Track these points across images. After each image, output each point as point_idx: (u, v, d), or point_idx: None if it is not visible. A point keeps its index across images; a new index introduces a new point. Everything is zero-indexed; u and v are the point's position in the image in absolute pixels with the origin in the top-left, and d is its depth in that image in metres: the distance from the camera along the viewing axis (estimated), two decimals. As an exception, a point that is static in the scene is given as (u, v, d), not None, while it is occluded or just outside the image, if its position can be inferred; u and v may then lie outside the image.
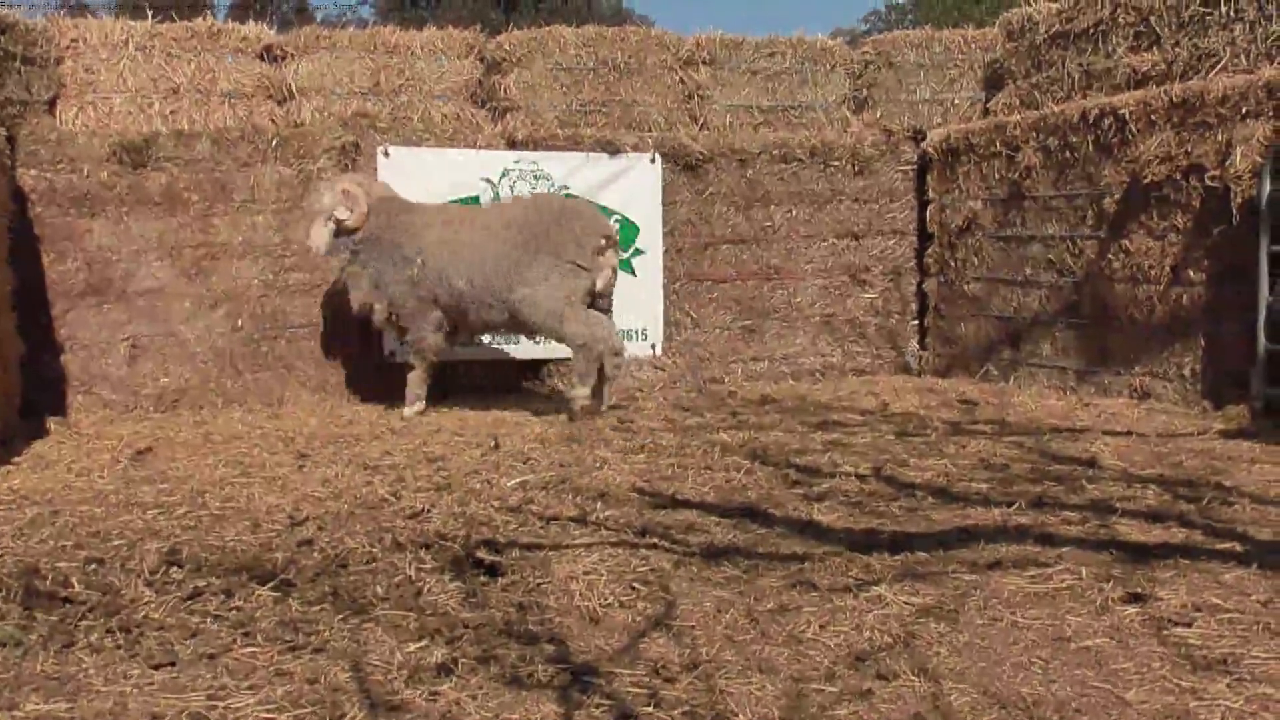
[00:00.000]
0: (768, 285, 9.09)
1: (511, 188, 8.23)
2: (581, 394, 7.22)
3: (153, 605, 3.35)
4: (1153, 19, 7.37)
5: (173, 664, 2.90)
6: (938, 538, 3.98)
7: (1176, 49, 7.18)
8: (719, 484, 4.98)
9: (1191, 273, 6.69)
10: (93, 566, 3.76)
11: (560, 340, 7.32)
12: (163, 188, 7.70)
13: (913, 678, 2.75)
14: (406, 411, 7.20)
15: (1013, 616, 3.17)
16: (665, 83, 9.12)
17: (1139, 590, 3.31)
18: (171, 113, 8.11)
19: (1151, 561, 3.61)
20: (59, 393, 7.47)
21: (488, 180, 8.18)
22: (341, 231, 7.04)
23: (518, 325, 7.39)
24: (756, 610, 3.25)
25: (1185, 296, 6.74)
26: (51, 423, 6.96)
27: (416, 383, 7.30)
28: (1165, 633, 3.01)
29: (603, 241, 7.28)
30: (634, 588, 3.47)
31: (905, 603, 3.28)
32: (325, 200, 7.04)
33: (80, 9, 23.21)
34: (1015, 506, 4.39)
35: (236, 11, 28.14)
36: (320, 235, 7.04)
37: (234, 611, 3.31)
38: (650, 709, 2.59)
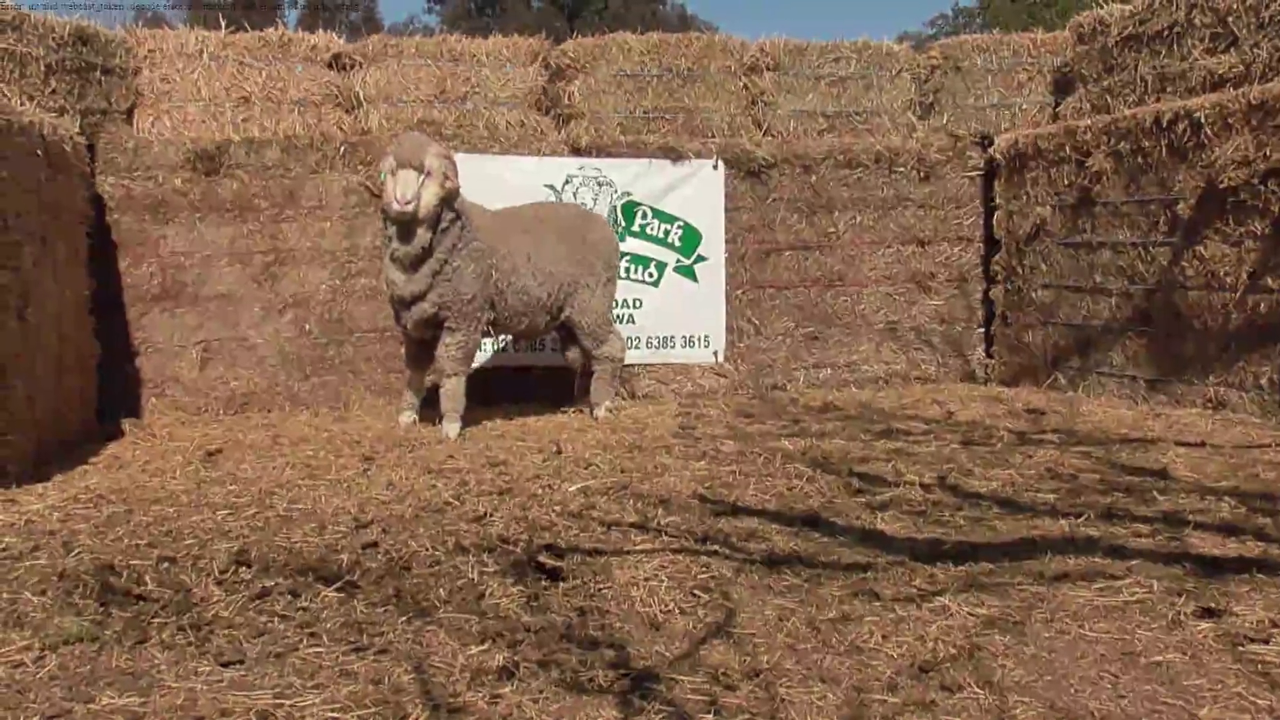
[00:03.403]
0: (831, 292, 9.03)
1: (575, 194, 8.28)
2: (612, 406, 7.34)
3: (222, 604, 3.41)
4: (1231, 20, 7.19)
5: (241, 662, 2.95)
6: (1003, 548, 3.92)
7: (1256, 50, 7.00)
8: (780, 491, 4.95)
9: (1270, 280, 6.51)
10: (165, 565, 3.84)
11: (598, 348, 7.34)
12: (234, 194, 7.87)
13: (977, 690, 2.70)
14: (453, 430, 6.60)
15: (1080, 630, 3.11)
16: (729, 89, 9.11)
17: (1213, 605, 3.23)
18: (243, 120, 8.28)
19: (1226, 576, 3.52)
20: (133, 395, 7.66)
21: (551, 186, 8.24)
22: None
23: (559, 331, 7.45)
24: (818, 619, 3.23)
25: (1263, 304, 6.57)
26: (126, 424, 7.14)
27: (461, 394, 6.70)
28: (1240, 649, 2.93)
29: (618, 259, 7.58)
30: (695, 594, 3.47)
31: (970, 614, 3.23)
32: (434, 161, 6.31)
33: (156, 20, 23.83)
34: (1083, 518, 4.30)
35: (306, 20, 28.70)
36: (432, 197, 6.28)
37: (300, 612, 3.36)
38: (710, 716, 2.58)
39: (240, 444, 6.46)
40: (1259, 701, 2.62)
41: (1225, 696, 2.66)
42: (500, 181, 8.03)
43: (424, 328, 6.70)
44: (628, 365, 8.25)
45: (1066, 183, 8.18)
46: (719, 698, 2.67)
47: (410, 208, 6.25)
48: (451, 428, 6.64)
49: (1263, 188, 6.49)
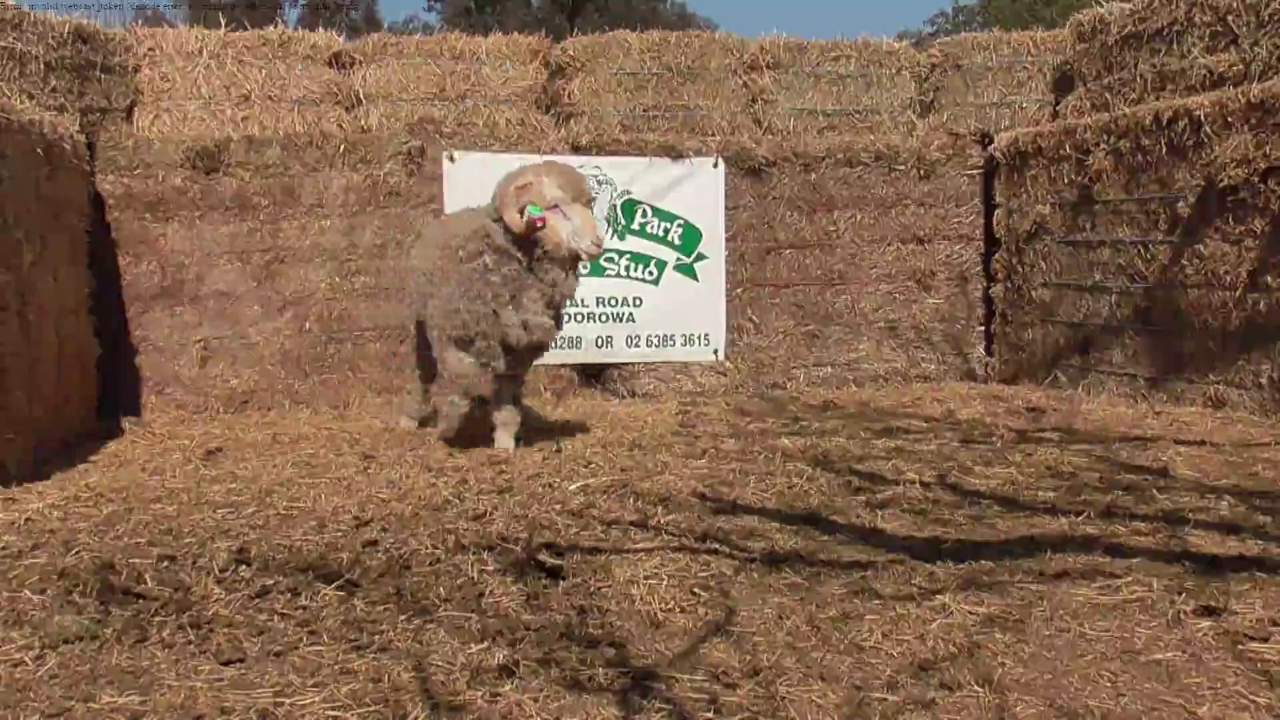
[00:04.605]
0: (831, 290, 9.03)
1: (575, 192, 8.27)
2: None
3: (222, 602, 3.41)
4: (1230, 18, 7.19)
5: (241, 660, 2.95)
6: (1003, 547, 3.92)
7: (1255, 49, 7.00)
8: (780, 490, 4.95)
9: (1269, 278, 6.51)
10: (165, 563, 3.84)
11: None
12: (234, 192, 7.86)
13: (977, 688, 2.70)
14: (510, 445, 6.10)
15: (1080, 628, 3.11)
16: (729, 87, 9.11)
17: (1213, 604, 3.23)
18: (243, 119, 8.28)
19: (1226, 574, 3.51)
20: (133, 393, 7.66)
21: (551, 185, 8.22)
22: None
23: None
24: (818, 617, 3.22)
25: (1263, 302, 6.57)
26: (126, 422, 7.15)
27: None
28: (1240, 647, 2.93)
29: None
30: (695, 593, 3.46)
31: (970, 612, 3.23)
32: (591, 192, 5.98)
33: (156, 18, 23.83)
34: (1083, 516, 4.30)
35: (306, 18, 28.69)
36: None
37: (300, 610, 3.36)
38: (710, 715, 2.58)
39: (240, 442, 6.46)
40: (1258, 700, 2.61)
41: (1225, 694, 2.66)
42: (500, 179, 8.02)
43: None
44: (628, 364, 8.35)
45: (1066, 181, 8.18)
46: (719, 696, 2.67)
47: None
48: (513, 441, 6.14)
49: (1262, 186, 6.49)
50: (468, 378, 5.89)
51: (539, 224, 5.56)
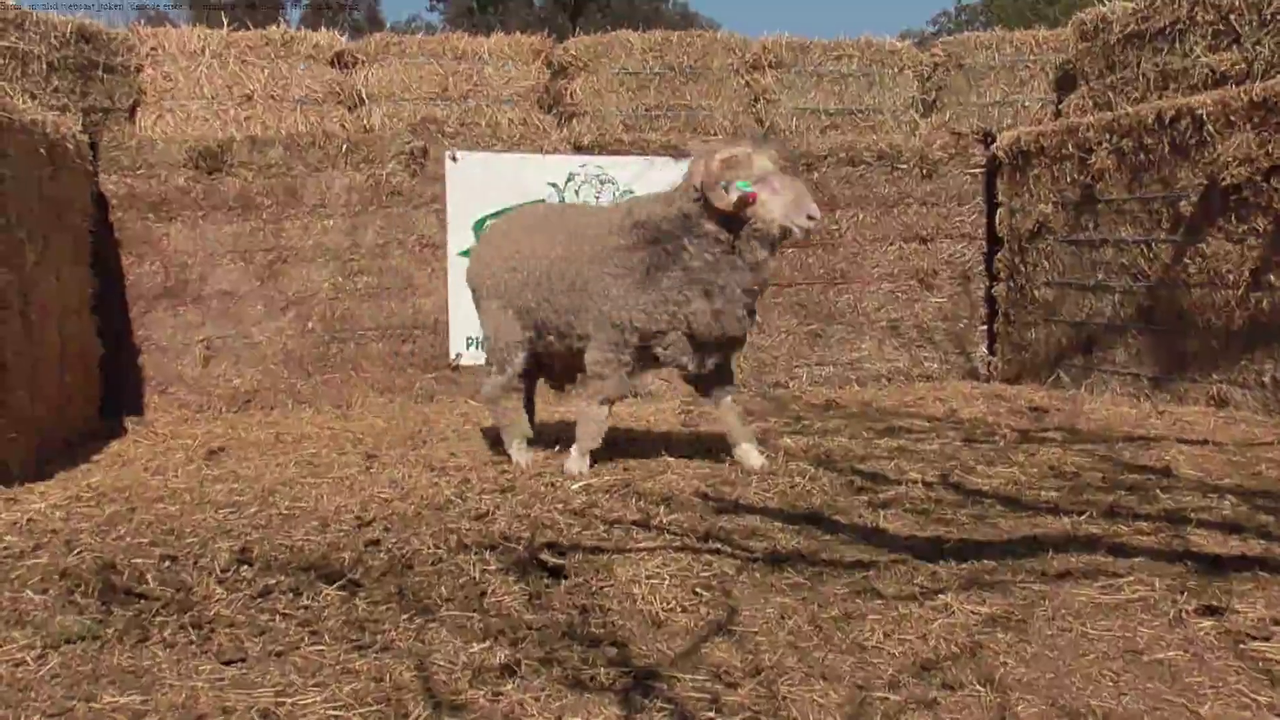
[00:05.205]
0: (833, 289, 9.02)
1: (577, 192, 8.28)
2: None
3: (224, 602, 3.41)
4: (1233, 17, 7.18)
5: (243, 660, 2.95)
6: (1005, 546, 3.92)
7: (1258, 47, 6.99)
8: (783, 489, 4.95)
9: (1273, 277, 6.50)
10: (167, 563, 3.84)
11: None
12: (236, 192, 7.88)
13: (979, 688, 2.70)
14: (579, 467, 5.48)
15: (1082, 627, 3.11)
16: (731, 86, 9.10)
17: (1215, 603, 3.22)
18: (246, 119, 8.29)
19: (1228, 574, 3.51)
20: (136, 393, 7.68)
21: (553, 185, 8.24)
22: None
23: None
24: (820, 617, 3.22)
25: (1266, 301, 6.56)
26: (129, 422, 7.16)
27: None
28: (1242, 647, 2.92)
29: None
30: (696, 592, 3.46)
31: (972, 612, 3.23)
32: None
33: (158, 18, 23.86)
34: (1086, 515, 4.29)
35: (308, 18, 28.72)
36: None
37: (302, 610, 3.36)
38: (712, 714, 2.58)
39: (243, 442, 6.47)
40: (1260, 699, 2.61)
41: (1227, 694, 2.65)
42: (502, 180, 8.04)
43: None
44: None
45: (1069, 180, 8.17)
46: (721, 695, 2.67)
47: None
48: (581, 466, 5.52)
49: (1265, 185, 6.48)
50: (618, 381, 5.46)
51: (750, 200, 4.97)
